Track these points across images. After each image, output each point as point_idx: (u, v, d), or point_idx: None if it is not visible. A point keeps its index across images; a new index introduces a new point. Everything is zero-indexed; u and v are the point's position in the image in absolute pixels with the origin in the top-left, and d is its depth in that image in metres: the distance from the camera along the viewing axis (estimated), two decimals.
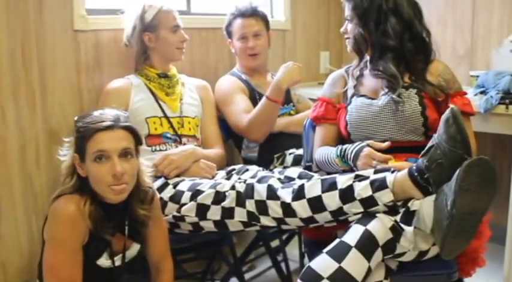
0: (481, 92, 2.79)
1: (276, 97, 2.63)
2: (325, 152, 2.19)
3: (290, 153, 2.73)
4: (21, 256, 2.38)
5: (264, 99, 2.66)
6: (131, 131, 1.83)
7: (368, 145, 2.04)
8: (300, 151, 2.62)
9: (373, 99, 2.18)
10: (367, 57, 2.25)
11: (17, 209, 2.36)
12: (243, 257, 2.95)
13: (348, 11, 2.20)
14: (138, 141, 1.87)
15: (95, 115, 1.82)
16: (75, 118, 1.86)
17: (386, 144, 2.06)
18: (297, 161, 2.65)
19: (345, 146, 2.10)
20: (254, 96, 2.84)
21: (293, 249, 3.12)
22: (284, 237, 3.03)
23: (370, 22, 2.14)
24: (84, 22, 2.53)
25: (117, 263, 1.87)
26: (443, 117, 1.78)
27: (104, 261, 1.84)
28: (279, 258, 2.93)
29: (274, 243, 2.96)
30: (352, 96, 2.24)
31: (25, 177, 2.37)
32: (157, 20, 2.55)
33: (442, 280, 1.94)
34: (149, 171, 1.99)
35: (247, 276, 2.95)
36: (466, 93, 2.20)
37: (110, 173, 1.75)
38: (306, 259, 2.43)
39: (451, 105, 1.78)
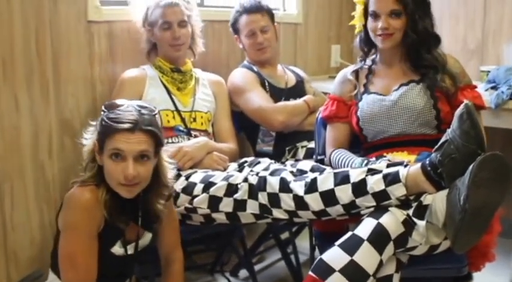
0: (492, 87, 2.79)
1: (313, 107, 2.76)
2: (345, 158, 2.17)
3: (302, 147, 2.73)
4: (33, 245, 2.39)
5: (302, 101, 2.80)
6: (152, 134, 1.78)
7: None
8: (312, 144, 2.62)
9: (384, 95, 2.19)
10: (375, 55, 2.26)
11: (29, 198, 2.37)
12: (253, 249, 2.96)
13: (395, 5, 2.10)
14: (158, 143, 1.83)
15: (120, 111, 1.76)
16: (102, 107, 1.81)
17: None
18: (309, 155, 2.64)
19: (371, 161, 2.07)
20: (265, 87, 2.83)
21: (303, 242, 3.11)
22: (294, 229, 3.03)
23: (425, 16, 2.15)
24: (98, 13, 2.53)
25: (130, 251, 1.88)
26: (457, 112, 1.78)
27: (117, 249, 1.85)
28: (289, 250, 2.94)
29: (284, 236, 2.97)
30: (362, 94, 2.25)
31: (37, 167, 2.39)
32: (153, 15, 2.53)
33: (452, 274, 1.96)
34: (171, 168, 1.96)
35: (256, 268, 2.96)
36: (476, 87, 2.21)
37: (122, 173, 1.74)
38: (317, 252, 2.44)
39: (466, 101, 1.78)
